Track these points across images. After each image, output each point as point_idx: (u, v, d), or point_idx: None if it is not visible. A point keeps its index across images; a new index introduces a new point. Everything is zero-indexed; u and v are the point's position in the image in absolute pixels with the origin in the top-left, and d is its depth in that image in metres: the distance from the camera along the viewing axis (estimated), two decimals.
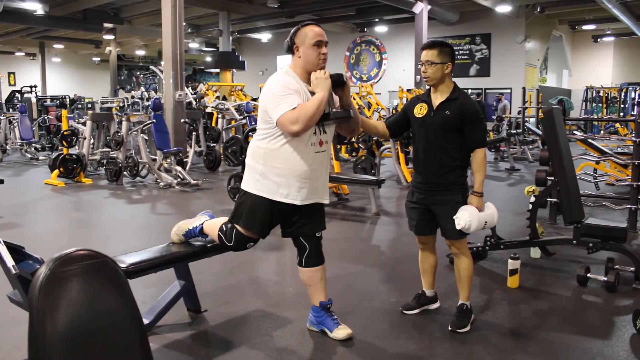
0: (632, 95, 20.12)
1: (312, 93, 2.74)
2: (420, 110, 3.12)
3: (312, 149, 2.81)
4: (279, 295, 3.68)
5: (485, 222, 3.05)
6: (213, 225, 3.03)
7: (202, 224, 3.09)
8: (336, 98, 2.89)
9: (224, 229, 2.92)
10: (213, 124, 11.61)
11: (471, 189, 3.09)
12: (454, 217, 3.00)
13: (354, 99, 14.23)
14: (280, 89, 2.72)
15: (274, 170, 2.79)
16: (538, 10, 16.92)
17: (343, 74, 2.83)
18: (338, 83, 2.80)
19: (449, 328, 3.11)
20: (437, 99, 3.08)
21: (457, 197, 3.07)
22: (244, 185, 2.89)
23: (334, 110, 2.83)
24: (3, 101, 14.98)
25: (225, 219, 2.99)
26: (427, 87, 3.17)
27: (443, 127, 3.02)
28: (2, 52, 26.15)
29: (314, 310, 3.05)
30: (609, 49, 23.25)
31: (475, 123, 3.03)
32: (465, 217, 2.96)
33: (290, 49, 2.83)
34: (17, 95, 19.91)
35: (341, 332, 2.98)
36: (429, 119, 3.07)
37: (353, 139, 10.50)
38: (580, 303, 3.67)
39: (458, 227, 2.99)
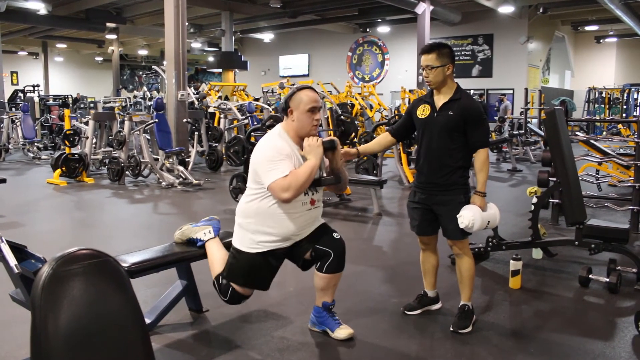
0: (635, 96, 20.11)
1: (304, 157, 2.78)
2: (423, 112, 3.13)
3: (304, 207, 2.84)
4: (280, 295, 3.68)
5: (488, 221, 3.05)
6: (212, 254, 3.02)
7: (205, 242, 3.09)
8: (326, 160, 2.92)
9: (220, 281, 2.90)
10: (215, 124, 11.62)
11: (473, 190, 3.09)
12: (457, 216, 3.01)
13: (356, 99, 14.25)
14: (273, 154, 2.73)
15: (266, 229, 2.80)
16: (540, 11, 16.91)
17: (334, 139, 2.89)
18: (330, 149, 2.86)
19: (451, 329, 3.11)
20: (440, 100, 3.09)
21: (460, 198, 3.07)
22: (237, 244, 2.87)
23: (324, 177, 2.89)
24: (6, 100, 14.99)
25: (224, 250, 3.01)
26: (430, 89, 3.18)
27: (446, 127, 3.03)
28: (5, 51, 26.10)
29: (316, 311, 3.05)
30: (611, 49, 23.22)
31: (478, 123, 3.04)
32: (468, 216, 2.97)
33: (285, 111, 2.85)
34: (20, 94, 19.97)
35: (343, 332, 2.98)
36: (432, 119, 3.08)
37: (355, 139, 10.49)
38: (582, 304, 3.67)
39: (461, 225, 2.99)
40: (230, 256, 2.91)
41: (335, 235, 2.93)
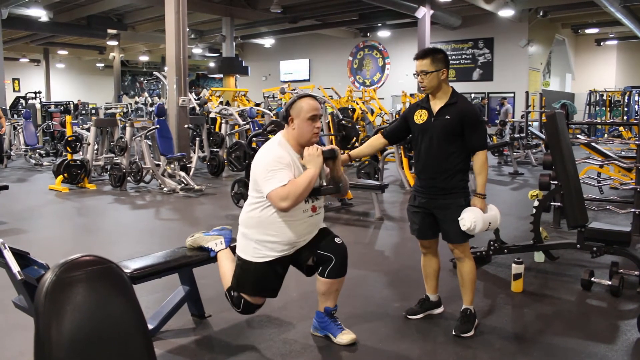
0: (636, 99, 20.09)
1: (304, 166, 2.78)
2: (420, 117, 3.15)
3: (305, 215, 2.85)
4: (283, 300, 3.68)
5: (489, 223, 3.07)
6: (223, 267, 3.04)
7: (217, 253, 3.12)
8: (326, 169, 2.92)
9: (231, 294, 2.92)
10: (216, 130, 11.64)
11: (473, 192, 3.10)
12: (459, 219, 3.02)
13: (357, 103, 14.27)
14: (272, 162, 2.73)
15: (269, 238, 2.81)
16: (541, 14, 16.95)
17: (335, 149, 2.89)
18: (330, 158, 2.87)
19: (453, 332, 3.11)
20: (437, 104, 3.10)
21: (460, 201, 3.08)
22: (242, 254, 2.88)
23: (324, 186, 2.90)
24: (7, 107, 15.05)
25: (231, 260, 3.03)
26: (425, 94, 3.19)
27: (444, 132, 3.04)
28: (7, 58, 26.16)
29: (318, 316, 3.05)
30: (612, 52, 23.24)
31: (476, 126, 3.06)
32: (469, 218, 2.98)
33: (286, 119, 2.86)
34: (22, 101, 20.04)
35: (345, 337, 2.98)
36: (429, 124, 3.10)
37: (356, 144, 10.50)
38: (585, 307, 3.67)
39: (463, 228, 3.00)
40: (237, 267, 2.91)
41: (337, 240, 2.93)
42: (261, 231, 2.81)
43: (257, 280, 2.85)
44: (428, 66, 3.03)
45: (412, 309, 3.38)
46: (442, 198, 3.10)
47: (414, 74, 3.16)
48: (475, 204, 3.05)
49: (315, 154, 2.76)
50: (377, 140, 3.39)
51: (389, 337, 3.12)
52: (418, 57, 3.09)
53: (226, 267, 3.02)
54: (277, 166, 2.71)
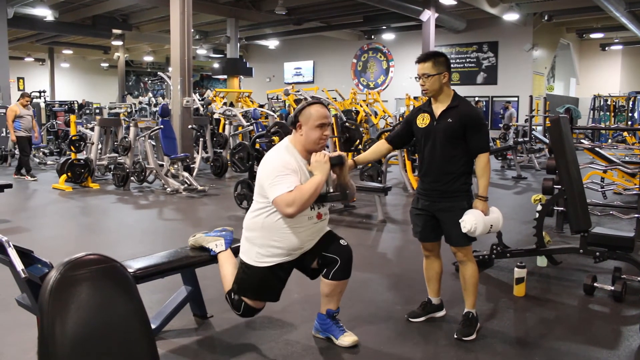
0: None
1: (311, 172, 2.78)
2: (423, 121, 3.15)
3: (310, 222, 2.84)
4: (285, 301, 3.67)
5: (491, 225, 3.06)
6: (223, 269, 3.05)
7: (217, 254, 3.13)
8: (333, 175, 2.92)
9: (232, 297, 2.92)
10: (220, 130, 11.66)
11: (475, 195, 3.10)
12: (460, 221, 3.02)
13: (361, 106, 14.27)
14: (279, 167, 2.72)
15: (272, 243, 2.80)
16: (545, 18, 16.93)
17: (342, 155, 2.89)
18: (337, 163, 2.87)
19: (455, 336, 3.10)
20: (439, 108, 3.11)
21: (462, 204, 3.08)
22: (245, 258, 2.88)
23: (330, 193, 2.90)
24: None
25: (233, 263, 3.05)
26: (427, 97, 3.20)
27: (446, 135, 3.05)
28: (12, 57, 26.26)
29: (320, 318, 3.05)
30: (616, 57, 23.20)
31: (478, 129, 3.06)
32: (470, 221, 2.98)
33: (294, 125, 2.86)
34: None
35: (347, 339, 2.98)
36: (432, 128, 3.10)
37: (360, 146, 10.50)
38: (587, 312, 3.66)
39: (464, 230, 3.00)
40: (239, 271, 2.92)
41: (342, 242, 2.94)
42: (265, 236, 2.81)
43: (259, 285, 2.86)
44: (430, 69, 3.04)
45: (414, 311, 3.38)
46: (444, 201, 3.10)
47: (415, 78, 3.16)
48: (477, 207, 3.05)
49: (322, 161, 2.76)
50: (382, 145, 3.39)
51: (391, 339, 3.12)
52: (419, 60, 3.10)
53: (226, 270, 3.03)
54: (283, 172, 2.70)
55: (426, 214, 3.19)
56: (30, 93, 10.61)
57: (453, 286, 3.86)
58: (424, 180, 3.20)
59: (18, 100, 10.21)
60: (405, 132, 3.32)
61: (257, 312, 2.96)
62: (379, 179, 8.37)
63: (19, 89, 25.45)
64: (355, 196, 7.30)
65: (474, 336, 3.11)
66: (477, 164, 3.09)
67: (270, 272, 2.83)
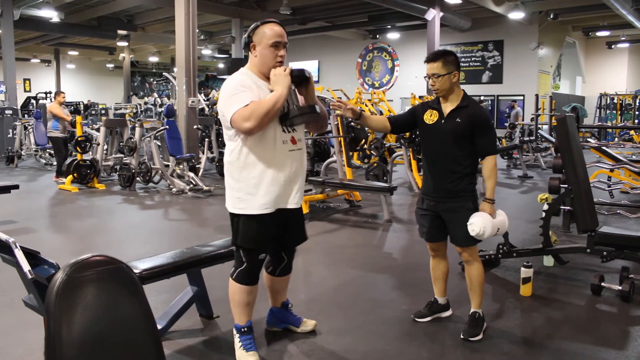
0: None
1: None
2: (430, 117, 3.13)
3: (284, 147, 2.69)
4: (291, 301, 3.68)
5: (498, 228, 3.05)
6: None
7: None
8: (301, 98, 2.75)
9: (234, 260, 2.82)
10: None
11: (482, 196, 3.08)
12: (468, 224, 3.00)
13: (366, 105, 14.26)
14: (233, 88, 2.60)
15: (251, 181, 2.65)
16: (551, 16, 16.85)
17: (306, 69, 2.69)
18: (301, 80, 2.66)
19: (461, 336, 3.10)
20: (447, 107, 3.09)
21: (468, 205, 3.07)
22: (229, 207, 2.76)
23: (296, 106, 2.65)
24: (18, 107, 15.17)
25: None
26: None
27: (454, 134, 3.03)
28: (18, 58, 26.40)
29: (275, 311, 3.15)
30: (623, 55, 23.08)
31: (486, 130, 3.05)
32: (479, 224, 2.97)
33: (247, 46, 2.70)
34: (32, 101, 20.17)
35: (309, 323, 3.15)
36: (440, 126, 3.08)
37: (365, 146, 10.50)
38: (594, 312, 3.64)
39: (472, 233, 2.99)
40: (232, 224, 2.77)
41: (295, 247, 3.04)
42: (243, 177, 2.66)
43: (245, 230, 2.70)
44: (440, 69, 3.01)
45: (421, 311, 3.38)
46: (450, 201, 3.09)
47: (425, 77, 3.14)
48: (484, 209, 3.03)
49: (282, 74, 2.58)
50: (384, 122, 3.32)
51: (396, 339, 3.11)
52: (429, 60, 3.07)
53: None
54: (238, 90, 2.57)
55: (432, 214, 3.17)
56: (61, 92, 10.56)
57: (459, 286, 3.84)
58: (429, 180, 3.18)
59: (55, 99, 10.17)
60: (408, 120, 3.29)
61: (259, 256, 2.78)
62: (385, 178, 8.37)
63: (25, 90, 25.60)
64: (359, 195, 7.33)
65: (480, 336, 3.10)
66: (485, 166, 3.07)
67: (251, 219, 2.68)
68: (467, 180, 3.07)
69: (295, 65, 2.66)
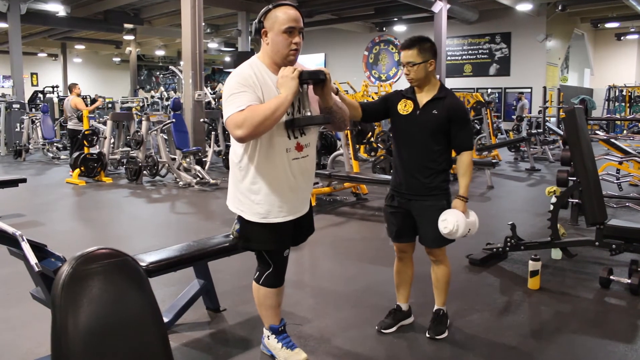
0: None
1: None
2: (405, 107, 2.91)
3: (287, 156, 2.41)
4: (297, 295, 3.68)
5: (469, 229, 2.84)
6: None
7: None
8: (316, 98, 2.43)
9: (257, 265, 2.64)
10: None
11: (455, 195, 2.90)
12: (440, 220, 2.82)
13: (373, 98, 14.20)
14: (234, 85, 2.31)
15: (253, 188, 2.44)
16: (559, 8, 16.69)
17: (322, 70, 2.36)
18: (316, 82, 2.35)
19: (427, 335, 3.02)
20: (423, 97, 2.88)
21: (442, 203, 2.89)
22: (229, 205, 2.60)
23: (304, 115, 2.36)
24: (26, 101, 15.23)
25: None
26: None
27: (430, 127, 2.83)
28: (25, 53, 26.44)
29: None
30: (632, 47, 22.86)
31: (463, 124, 2.86)
32: (452, 221, 2.78)
33: (258, 32, 2.40)
34: (40, 95, 20.24)
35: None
36: (414, 117, 2.87)
37: (372, 139, 10.47)
38: (603, 306, 3.61)
39: (445, 230, 2.80)
40: (241, 229, 2.55)
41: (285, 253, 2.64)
42: (245, 180, 2.45)
43: (270, 233, 2.49)
44: (415, 57, 2.80)
45: (385, 322, 3.13)
46: (422, 199, 2.90)
47: (401, 65, 2.98)
48: (457, 207, 2.83)
49: (289, 76, 2.27)
50: (357, 109, 2.94)
51: (405, 330, 3.10)
52: (404, 47, 2.85)
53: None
54: (238, 89, 2.28)
55: (402, 212, 2.98)
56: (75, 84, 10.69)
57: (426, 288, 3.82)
58: (400, 175, 2.98)
59: (72, 92, 10.33)
60: (379, 108, 3.04)
61: (284, 252, 2.60)
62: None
63: (32, 85, 25.68)
64: (366, 188, 7.30)
65: (446, 333, 3.04)
66: (460, 162, 2.87)
67: (268, 227, 2.48)
68: (441, 177, 2.89)
69: (300, 57, 2.41)
